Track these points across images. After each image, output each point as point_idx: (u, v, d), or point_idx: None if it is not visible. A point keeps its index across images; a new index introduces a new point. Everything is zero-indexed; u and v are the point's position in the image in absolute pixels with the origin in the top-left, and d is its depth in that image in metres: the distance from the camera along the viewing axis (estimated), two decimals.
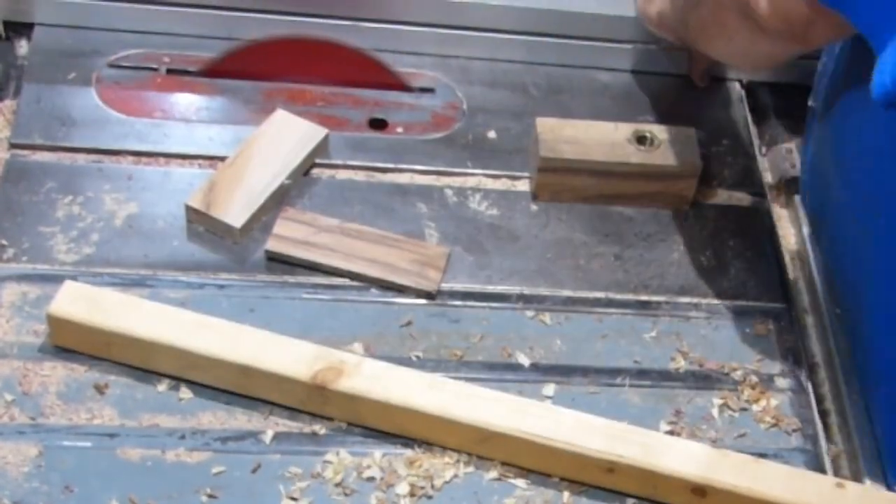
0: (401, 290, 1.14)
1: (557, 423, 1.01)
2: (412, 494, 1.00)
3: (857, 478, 1.08)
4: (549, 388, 1.09)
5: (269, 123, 1.23)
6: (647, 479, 1.01)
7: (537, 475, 1.02)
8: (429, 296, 1.13)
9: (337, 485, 1.00)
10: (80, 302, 1.02)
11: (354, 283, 1.14)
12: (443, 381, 1.04)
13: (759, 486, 0.99)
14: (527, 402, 1.03)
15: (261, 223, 1.17)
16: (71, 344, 1.04)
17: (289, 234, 1.15)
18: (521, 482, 1.02)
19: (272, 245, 1.14)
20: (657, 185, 1.22)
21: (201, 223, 1.16)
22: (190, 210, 1.15)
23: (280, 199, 1.19)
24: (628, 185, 1.22)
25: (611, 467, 1.00)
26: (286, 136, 1.21)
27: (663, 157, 1.20)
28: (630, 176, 1.21)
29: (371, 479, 1.01)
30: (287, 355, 1.02)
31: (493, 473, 1.02)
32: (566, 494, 1.02)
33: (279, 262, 1.14)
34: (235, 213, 1.15)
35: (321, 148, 1.23)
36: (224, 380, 1.03)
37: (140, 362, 1.04)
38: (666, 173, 1.21)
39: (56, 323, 1.03)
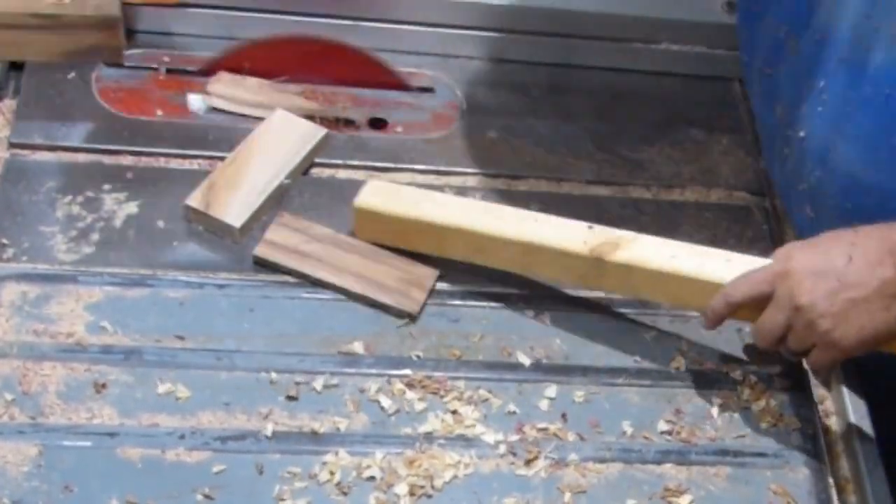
0: (383, 308, 1.13)
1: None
2: (412, 494, 1.00)
3: (857, 477, 1.08)
4: (550, 388, 1.09)
5: (268, 122, 1.23)
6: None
7: None
8: (410, 317, 1.13)
9: (336, 484, 1.00)
10: (380, 194, 1.14)
11: None
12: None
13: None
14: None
15: (260, 222, 1.17)
16: (370, 235, 1.14)
17: (280, 241, 1.14)
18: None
19: (261, 251, 1.14)
20: (74, 38, 1.20)
21: (201, 223, 1.16)
22: (189, 210, 1.15)
23: (280, 199, 1.19)
24: (44, 39, 1.20)
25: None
26: (285, 136, 1.21)
27: (77, 7, 1.18)
28: (44, 28, 1.19)
29: (371, 478, 1.01)
30: (566, 232, 1.10)
31: None
32: (567, 495, 1.02)
33: (267, 268, 1.14)
34: (235, 213, 1.15)
35: (321, 147, 1.23)
36: (508, 260, 1.12)
37: (434, 249, 1.13)
38: (76, 23, 1.19)
39: (361, 215, 1.13)
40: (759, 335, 1.05)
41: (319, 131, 1.23)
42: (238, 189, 1.16)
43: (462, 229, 1.11)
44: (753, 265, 1.06)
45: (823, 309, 0.99)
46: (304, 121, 1.23)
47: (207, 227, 1.15)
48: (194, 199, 1.15)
